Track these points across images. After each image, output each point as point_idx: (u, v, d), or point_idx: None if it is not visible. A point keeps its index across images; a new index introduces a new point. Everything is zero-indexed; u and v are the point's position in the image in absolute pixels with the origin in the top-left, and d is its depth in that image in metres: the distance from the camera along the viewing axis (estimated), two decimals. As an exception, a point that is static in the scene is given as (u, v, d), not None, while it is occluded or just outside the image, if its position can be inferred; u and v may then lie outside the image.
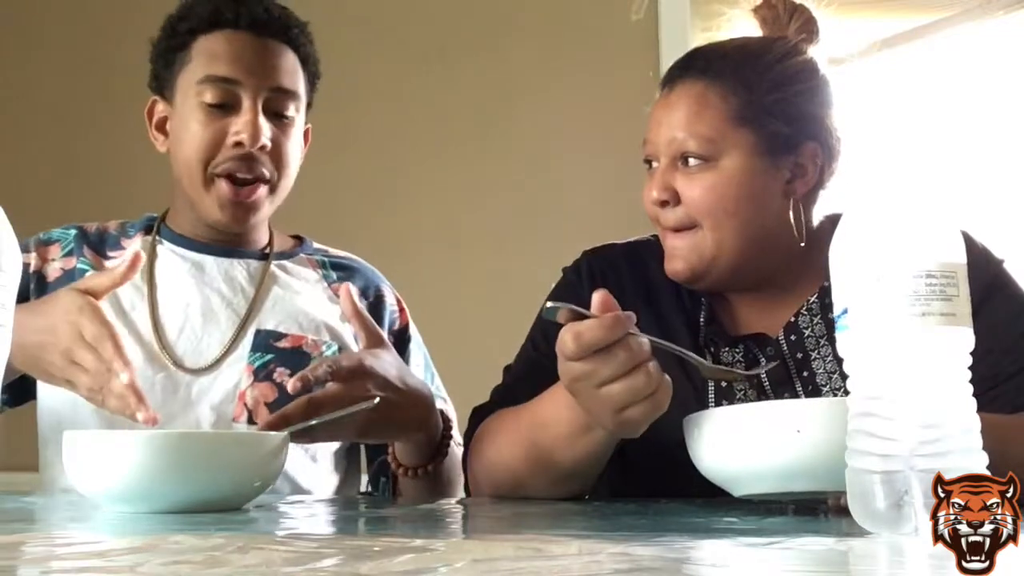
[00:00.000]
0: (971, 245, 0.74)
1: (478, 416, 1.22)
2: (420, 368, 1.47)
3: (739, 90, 1.16)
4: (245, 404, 1.31)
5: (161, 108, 1.39)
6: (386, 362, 1.18)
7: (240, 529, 0.79)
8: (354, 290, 1.27)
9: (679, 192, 1.17)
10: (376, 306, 1.45)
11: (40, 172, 2.85)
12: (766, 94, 1.17)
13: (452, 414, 1.47)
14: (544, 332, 1.25)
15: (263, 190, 1.34)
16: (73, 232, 1.44)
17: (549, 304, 0.92)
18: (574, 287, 1.27)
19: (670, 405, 1.17)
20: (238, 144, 1.31)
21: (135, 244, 1.42)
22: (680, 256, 1.19)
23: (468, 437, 1.21)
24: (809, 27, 1.23)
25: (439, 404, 1.45)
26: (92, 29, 2.90)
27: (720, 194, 1.15)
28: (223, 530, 0.75)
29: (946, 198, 0.76)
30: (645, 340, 0.92)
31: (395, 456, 1.28)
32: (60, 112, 2.88)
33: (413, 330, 1.49)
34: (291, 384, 1.09)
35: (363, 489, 1.50)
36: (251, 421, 1.30)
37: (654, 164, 1.20)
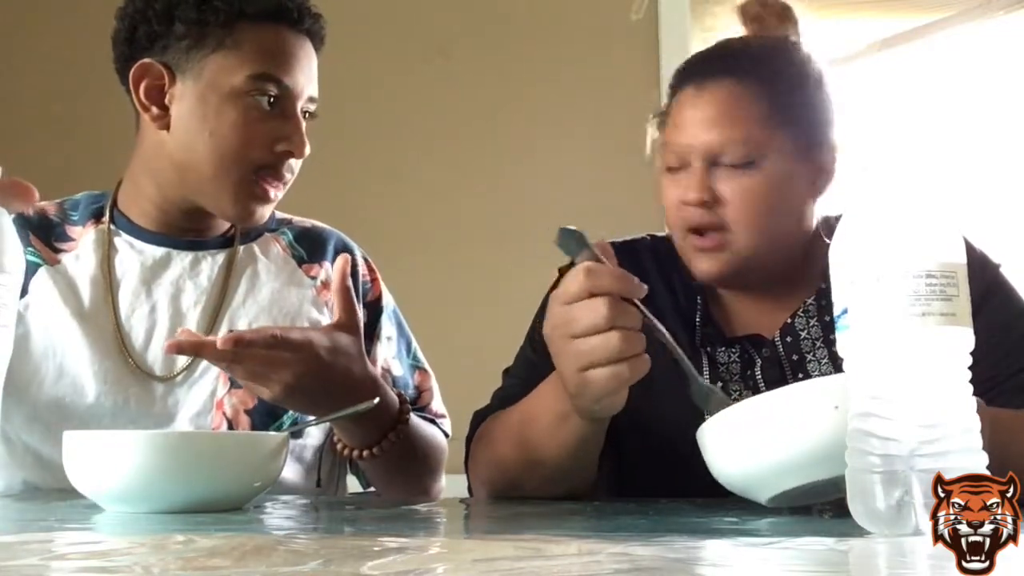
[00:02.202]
0: (968, 250, 0.74)
1: (479, 419, 1.21)
2: (393, 339, 1.41)
3: (771, 91, 1.15)
4: (224, 413, 1.26)
5: (157, 75, 1.26)
6: (340, 348, 1.15)
7: (240, 529, 0.79)
8: (342, 264, 1.21)
9: (719, 194, 1.15)
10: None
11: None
12: (795, 95, 1.17)
13: (433, 384, 1.44)
14: (543, 335, 1.25)
15: (282, 191, 1.31)
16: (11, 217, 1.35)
17: (570, 228, 0.94)
18: None
19: (668, 404, 1.17)
20: (286, 152, 1.26)
21: (88, 235, 1.33)
22: (711, 257, 1.17)
23: (468, 440, 1.21)
24: (797, 29, 1.23)
25: (416, 377, 1.42)
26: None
27: (759, 197, 1.14)
28: (223, 530, 0.75)
29: (946, 198, 0.76)
30: (637, 312, 0.92)
31: (338, 438, 1.25)
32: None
33: (386, 300, 1.43)
34: (220, 341, 1.06)
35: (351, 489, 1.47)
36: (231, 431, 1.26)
37: (682, 168, 1.17)
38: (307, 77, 1.29)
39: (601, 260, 0.94)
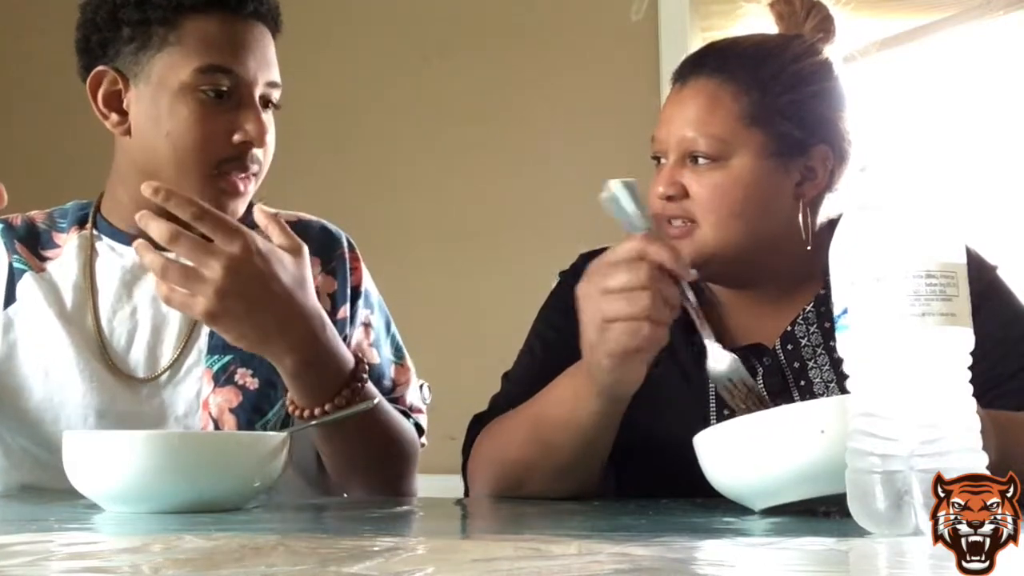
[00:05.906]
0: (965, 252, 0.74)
1: (477, 424, 1.21)
2: (372, 328, 1.38)
3: (752, 90, 1.15)
4: (209, 413, 1.25)
5: (112, 81, 1.25)
6: (278, 259, 1.10)
7: (240, 529, 0.79)
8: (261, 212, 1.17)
9: (687, 188, 1.17)
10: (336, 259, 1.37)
11: None
12: (780, 95, 1.16)
13: (411, 378, 1.40)
14: (542, 340, 1.25)
15: (252, 183, 1.27)
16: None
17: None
18: (572, 291, 1.27)
19: (668, 408, 1.16)
20: (245, 143, 1.23)
21: (72, 241, 1.33)
22: (679, 244, 1.17)
23: (468, 445, 1.20)
24: (826, 25, 1.21)
25: (394, 371, 1.38)
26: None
27: (726, 194, 1.14)
28: (223, 530, 0.75)
29: (946, 198, 0.76)
30: (676, 288, 0.97)
31: (291, 399, 1.18)
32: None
33: (367, 288, 1.39)
34: (145, 187, 1.06)
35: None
36: (217, 430, 1.24)
37: (662, 160, 1.19)
38: (260, 63, 1.25)
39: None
